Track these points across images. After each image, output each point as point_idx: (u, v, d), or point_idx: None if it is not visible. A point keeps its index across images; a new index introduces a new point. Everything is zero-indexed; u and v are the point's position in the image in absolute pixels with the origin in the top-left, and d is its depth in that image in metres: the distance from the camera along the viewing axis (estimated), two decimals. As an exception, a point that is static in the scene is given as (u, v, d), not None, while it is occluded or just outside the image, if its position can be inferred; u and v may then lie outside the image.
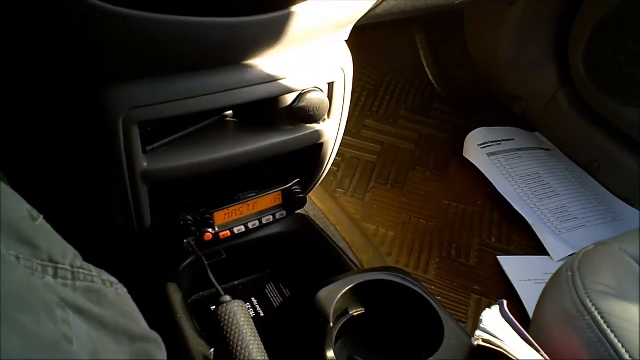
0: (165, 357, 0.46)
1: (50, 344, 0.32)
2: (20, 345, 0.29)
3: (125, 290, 0.45)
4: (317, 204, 1.21)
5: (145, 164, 0.67)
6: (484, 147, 1.42)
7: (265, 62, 0.67)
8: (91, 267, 0.43)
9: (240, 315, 0.68)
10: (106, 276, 0.44)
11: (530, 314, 1.04)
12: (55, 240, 0.42)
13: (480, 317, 0.65)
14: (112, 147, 0.64)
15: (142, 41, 0.56)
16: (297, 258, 0.92)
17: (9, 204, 0.39)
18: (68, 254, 0.41)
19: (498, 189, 1.32)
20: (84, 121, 0.65)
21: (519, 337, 0.64)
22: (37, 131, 0.73)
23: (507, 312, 0.66)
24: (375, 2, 0.75)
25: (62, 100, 0.65)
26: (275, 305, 0.89)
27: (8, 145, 0.72)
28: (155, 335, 0.46)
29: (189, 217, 0.77)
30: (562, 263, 1.12)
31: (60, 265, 0.40)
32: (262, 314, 0.87)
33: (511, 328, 0.64)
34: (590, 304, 0.65)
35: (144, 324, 0.45)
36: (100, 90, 0.60)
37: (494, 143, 1.44)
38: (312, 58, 0.71)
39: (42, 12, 0.53)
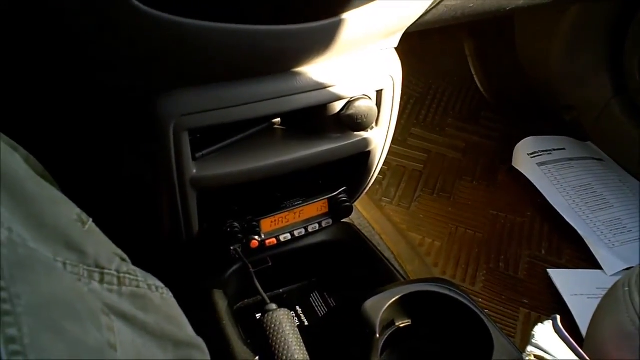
0: (209, 362, 0.46)
1: (94, 351, 0.32)
2: (66, 352, 0.30)
3: (170, 294, 0.45)
4: (363, 213, 1.20)
5: (195, 171, 0.67)
6: (534, 157, 1.39)
7: (314, 70, 0.67)
8: (137, 271, 0.43)
9: (286, 324, 0.68)
10: (152, 280, 0.44)
11: (582, 330, 1.01)
12: (102, 244, 0.43)
13: (532, 333, 0.63)
14: (162, 154, 0.64)
15: (195, 49, 0.57)
16: (343, 267, 0.91)
17: (59, 210, 0.40)
18: (115, 259, 0.42)
19: (549, 200, 1.29)
20: (136, 127, 0.66)
21: (573, 354, 0.62)
22: (89, 137, 0.74)
23: (560, 328, 0.63)
24: (426, 7, 0.74)
25: (114, 107, 0.66)
26: (320, 315, 0.88)
27: (60, 149, 0.73)
28: (200, 341, 0.46)
29: (236, 224, 0.77)
30: (615, 278, 1.08)
31: (106, 271, 0.40)
32: (306, 323, 0.87)
33: (565, 345, 0.62)
34: (648, 321, 0.62)
35: (189, 329, 0.45)
36: (153, 98, 0.61)
37: (544, 152, 1.41)
38: (361, 65, 0.71)
39: (99, 22, 0.54)
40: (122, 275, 0.41)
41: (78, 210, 0.42)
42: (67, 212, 0.40)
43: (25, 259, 0.31)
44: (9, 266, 0.29)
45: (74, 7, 0.52)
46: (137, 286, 0.42)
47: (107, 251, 0.41)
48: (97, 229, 0.42)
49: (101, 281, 0.39)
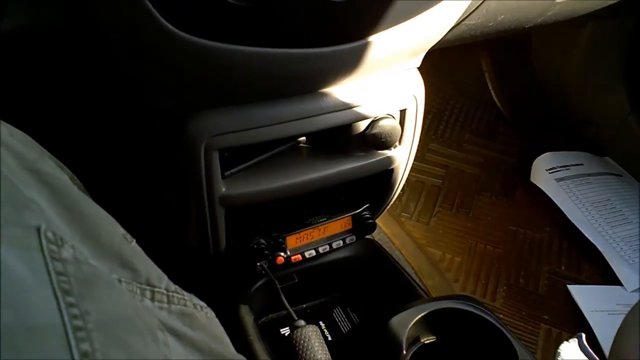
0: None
1: None
2: None
3: (213, 314, 0.47)
4: (383, 228, 1.21)
5: (224, 189, 0.69)
6: (552, 172, 1.40)
7: (340, 90, 0.68)
8: (183, 291, 0.45)
9: (315, 340, 0.69)
10: (196, 300, 0.46)
11: (603, 346, 1.01)
12: (149, 264, 0.44)
13: (558, 350, 0.64)
14: (193, 172, 0.66)
15: (226, 72, 0.58)
16: (365, 282, 0.93)
17: (110, 228, 0.41)
18: (163, 277, 0.43)
19: (567, 216, 1.29)
20: (168, 147, 0.68)
21: (598, 372, 0.62)
22: (122, 155, 0.76)
23: (586, 346, 0.64)
24: (448, 28, 0.75)
25: (148, 126, 0.68)
26: (343, 330, 0.89)
27: (93, 167, 0.75)
28: (242, 358, 0.47)
29: (262, 241, 0.78)
30: (635, 294, 1.08)
31: (157, 289, 0.42)
32: (330, 338, 0.88)
33: (590, 362, 0.63)
34: (674, 339, 0.62)
35: (232, 348, 0.47)
36: (184, 118, 0.63)
37: (562, 168, 1.41)
38: (385, 85, 0.72)
39: (135, 45, 0.56)
40: (170, 294, 0.42)
41: (123, 230, 0.43)
42: (116, 230, 0.42)
43: (89, 276, 0.33)
44: (77, 283, 0.31)
45: (113, 30, 0.54)
46: (185, 305, 0.43)
47: (155, 270, 0.43)
48: (140, 249, 0.44)
49: (152, 299, 0.40)
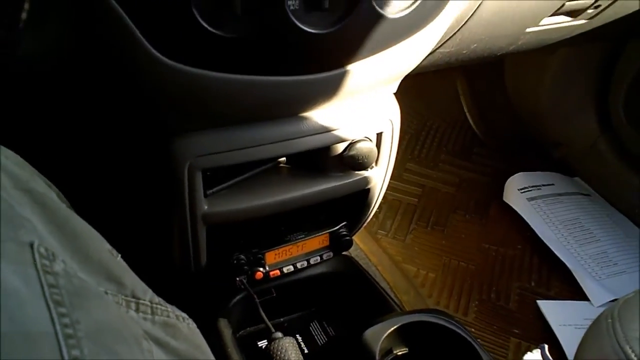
0: (231, 389, 0.50)
1: None
2: None
3: (194, 325, 0.50)
4: (360, 245, 1.24)
5: (206, 207, 0.72)
6: (524, 192, 1.44)
7: (319, 114, 0.72)
8: (166, 303, 0.48)
9: (292, 352, 0.72)
10: (178, 312, 0.48)
11: (570, 359, 1.05)
12: (134, 277, 0.47)
13: (522, 361, 0.67)
14: (177, 191, 0.69)
15: (210, 98, 0.61)
16: (341, 297, 0.95)
17: (97, 244, 0.44)
18: (147, 290, 0.46)
19: (538, 234, 1.34)
20: (153, 166, 0.71)
21: (559, 382, 0.65)
22: (107, 172, 0.78)
23: (548, 356, 0.67)
24: (424, 56, 0.79)
25: (132, 146, 0.71)
26: (320, 343, 0.92)
27: (78, 184, 0.78)
28: (222, 368, 0.49)
29: (242, 257, 0.81)
30: (602, 309, 1.12)
31: (141, 301, 0.44)
32: (306, 351, 0.90)
33: (552, 373, 0.66)
34: (630, 351, 0.66)
35: (212, 357, 0.49)
36: (170, 140, 0.65)
37: (534, 188, 1.46)
38: (362, 110, 0.75)
39: (121, 72, 0.59)
40: (154, 305, 0.45)
41: (108, 245, 0.46)
42: (103, 246, 0.45)
43: (79, 289, 0.35)
44: (68, 295, 0.33)
45: (103, 55, 0.57)
46: (168, 316, 0.46)
47: (140, 283, 0.46)
48: (125, 264, 0.47)
49: (137, 310, 0.43)
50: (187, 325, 0.48)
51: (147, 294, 0.45)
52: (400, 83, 0.80)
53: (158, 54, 0.55)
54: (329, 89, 0.66)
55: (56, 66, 0.59)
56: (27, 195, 0.39)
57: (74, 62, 0.58)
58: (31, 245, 0.34)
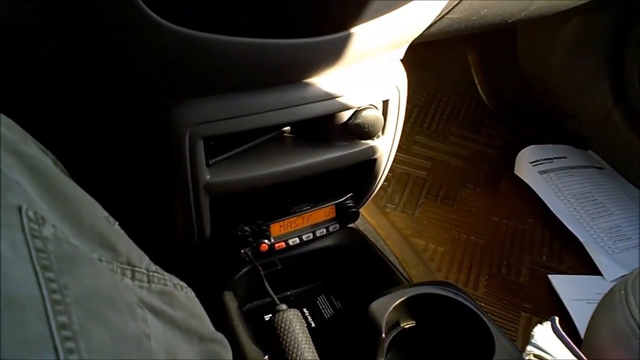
0: (231, 358, 0.49)
1: (134, 339, 0.35)
2: (110, 339, 0.32)
3: (193, 293, 0.48)
4: (368, 219, 1.23)
5: (208, 177, 0.70)
6: (536, 165, 1.42)
7: (323, 81, 0.70)
8: (163, 271, 0.46)
9: (296, 324, 0.70)
10: (176, 280, 0.47)
11: (582, 334, 1.03)
12: (131, 245, 0.45)
13: (532, 333, 0.66)
14: (178, 160, 0.67)
15: (209, 61, 0.60)
16: (348, 271, 0.94)
17: (91, 210, 0.43)
18: (144, 258, 0.45)
19: (550, 207, 1.32)
20: (153, 135, 0.69)
21: (571, 354, 0.64)
22: (107, 141, 0.77)
23: (559, 329, 0.66)
24: (431, 21, 0.77)
25: (132, 116, 0.69)
26: (326, 317, 0.91)
27: (78, 153, 0.77)
28: (221, 336, 0.48)
29: (247, 228, 0.80)
30: (615, 283, 1.11)
31: (137, 269, 0.43)
32: (313, 325, 0.89)
33: (563, 345, 0.65)
34: (643, 323, 0.64)
35: (210, 326, 0.48)
36: (169, 107, 0.64)
37: (546, 161, 1.43)
38: (368, 76, 0.73)
39: (120, 33, 0.57)
40: (151, 273, 0.44)
41: (105, 213, 0.45)
42: (98, 213, 0.43)
43: (69, 254, 0.34)
44: (56, 260, 0.32)
45: (100, 18, 0.55)
46: (165, 284, 0.44)
47: (136, 251, 0.44)
48: (123, 232, 0.45)
49: (132, 278, 0.42)
50: (185, 294, 0.47)
51: (143, 262, 0.44)
52: (410, 54, 0.78)
53: (154, 15, 0.53)
54: (333, 53, 0.65)
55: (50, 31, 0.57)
56: (17, 158, 0.38)
57: (67, 28, 0.57)
58: (19, 209, 0.33)
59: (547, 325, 0.67)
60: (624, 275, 0.75)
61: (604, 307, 0.72)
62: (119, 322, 0.34)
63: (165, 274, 0.46)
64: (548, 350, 0.63)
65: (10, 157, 0.37)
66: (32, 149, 0.41)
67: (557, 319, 0.67)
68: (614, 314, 0.68)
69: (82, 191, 0.43)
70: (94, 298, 0.34)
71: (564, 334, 0.65)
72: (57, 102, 0.72)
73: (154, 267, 0.45)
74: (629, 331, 0.65)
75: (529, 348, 0.64)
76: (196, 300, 0.48)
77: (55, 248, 0.33)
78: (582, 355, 0.64)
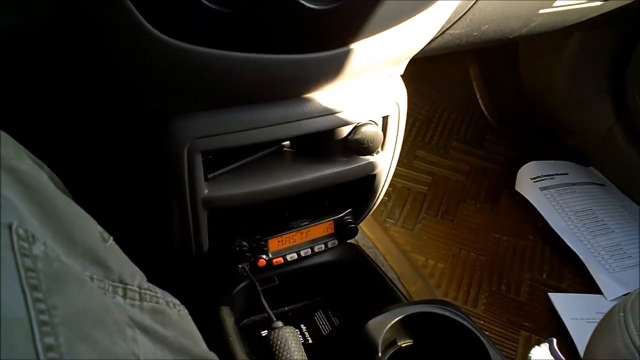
0: (224, 378, 0.48)
1: None
2: None
3: (186, 311, 0.48)
4: (367, 233, 1.22)
5: (207, 191, 0.70)
6: (537, 181, 1.41)
7: (323, 96, 0.69)
8: (156, 288, 0.46)
9: (292, 341, 0.70)
10: (169, 298, 0.46)
11: (581, 354, 1.02)
12: (124, 261, 0.45)
13: (529, 355, 0.65)
14: (176, 174, 0.67)
15: (209, 76, 0.59)
16: (347, 286, 0.93)
17: (84, 225, 0.42)
18: (136, 275, 0.44)
19: (550, 224, 1.31)
20: (152, 149, 0.69)
21: (569, 377, 0.63)
22: (105, 156, 0.77)
23: (556, 351, 0.65)
24: (431, 37, 0.76)
25: (132, 128, 0.69)
26: (324, 333, 0.90)
27: (76, 166, 0.76)
28: (213, 356, 0.48)
29: (245, 243, 0.79)
30: (615, 302, 1.10)
31: (129, 287, 0.42)
32: (310, 341, 0.89)
33: (561, 367, 0.64)
34: (642, 346, 0.64)
35: (203, 345, 0.47)
36: (168, 121, 0.64)
37: (547, 177, 1.43)
38: (368, 92, 0.73)
39: (119, 47, 0.57)
40: (143, 291, 0.43)
41: (100, 228, 0.44)
42: (92, 228, 0.43)
43: (59, 273, 0.34)
44: (45, 279, 0.32)
45: (97, 31, 0.55)
46: (157, 302, 0.44)
47: (129, 268, 0.44)
48: (117, 247, 0.45)
49: (124, 296, 0.41)
50: (178, 312, 0.46)
51: (135, 279, 0.43)
52: (411, 68, 0.78)
53: (154, 30, 0.53)
54: (332, 69, 0.64)
55: (35, 38, 0.56)
56: (9, 175, 0.37)
57: (59, 37, 0.56)
58: (9, 227, 0.33)
59: (545, 346, 0.66)
60: (624, 295, 0.74)
61: (603, 328, 0.71)
62: (107, 343, 0.34)
63: (159, 291, 0.45)
64: (546, 373, 0.63)
65: (2, 173, 0.37)
66: (26, 163, 0.41)
67: (554, 340, 0.66)
68: (613, 336, 0.67)
69: (76, 206, 0.43)
70: (82, 318, 0.33)
71: (561, 356, 0.64)
72: (54, 110, 0.71)
73: (146, 284, 0.44)
74: (628, 354, 0.64)
75: (527, 370, 0.64)
76: (189, 318, 0.48)
77: (45, 267, 0.32)
78: (581, 378, 0.63)
